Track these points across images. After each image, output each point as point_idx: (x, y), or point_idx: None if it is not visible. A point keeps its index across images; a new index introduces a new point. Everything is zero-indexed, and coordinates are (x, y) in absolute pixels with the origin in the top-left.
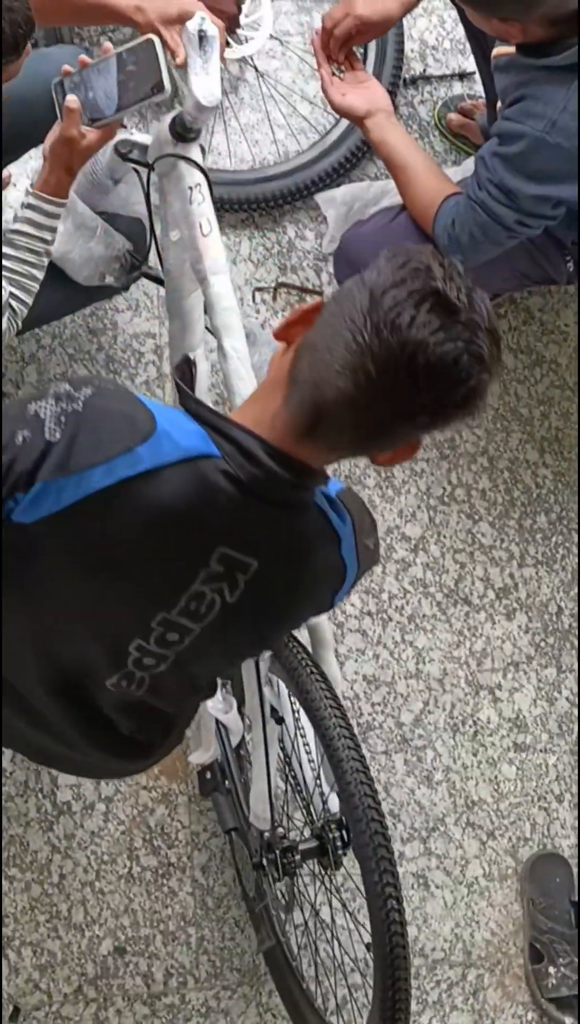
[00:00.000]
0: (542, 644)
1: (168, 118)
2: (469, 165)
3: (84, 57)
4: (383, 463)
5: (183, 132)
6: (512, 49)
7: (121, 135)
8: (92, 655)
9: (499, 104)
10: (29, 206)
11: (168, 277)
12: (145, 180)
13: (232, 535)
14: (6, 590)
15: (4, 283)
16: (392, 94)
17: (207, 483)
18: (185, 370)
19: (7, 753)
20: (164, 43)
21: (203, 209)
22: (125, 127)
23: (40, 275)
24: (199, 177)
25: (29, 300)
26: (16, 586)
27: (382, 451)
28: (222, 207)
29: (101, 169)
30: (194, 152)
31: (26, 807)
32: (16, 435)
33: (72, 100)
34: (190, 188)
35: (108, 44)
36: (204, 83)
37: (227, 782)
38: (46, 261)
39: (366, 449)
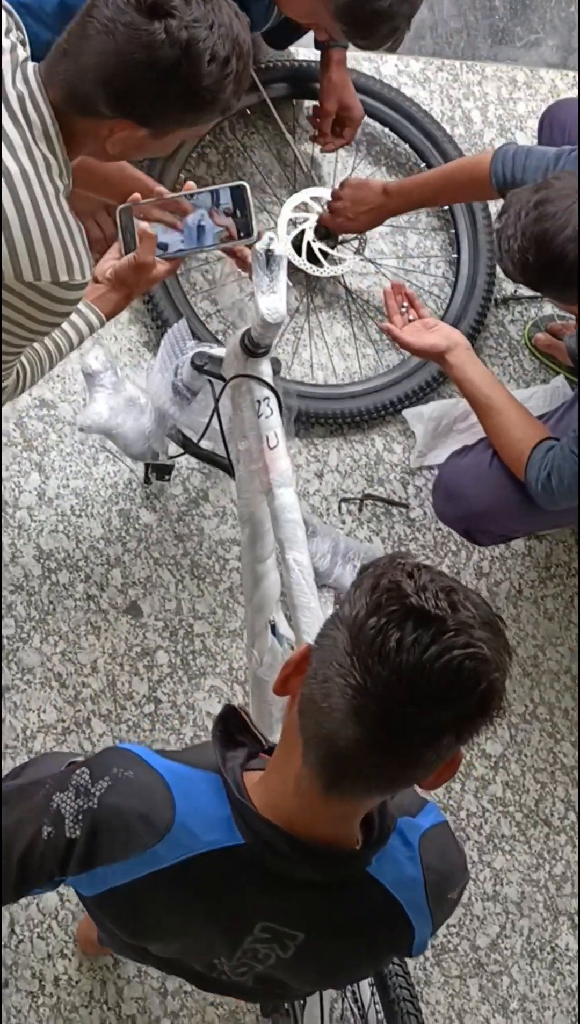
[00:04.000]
0: None
1: (238, 333)
2: (556, 384)
3: (161, 188)
4: (430, 787)
5: (252, 347)
6: None
7: (200, 347)
8: (189, 962)
9: None
10: (78, 310)
11: (238, 486)
12: (218, 390)
13: (270, 911)
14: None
15: (23, 356)
16: (482, 315)
17: (230, 874)
18: (234, 720)
19: (74, 961)
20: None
21: (271, 422)
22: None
23: (50, 369)
24: (267, 392)
25: (37, 381)
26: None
27: (421, 779)
28: (311, 420)
29: (184, 380)
30: (263, 368)
31: (91, 1019)
32: (42, 830)
33: (150, 228)
34: (258, 401)
35: (190, 182)
36: (270, 301)
37: (285, 1004)
38: (60, 360)
39: (403, 783)
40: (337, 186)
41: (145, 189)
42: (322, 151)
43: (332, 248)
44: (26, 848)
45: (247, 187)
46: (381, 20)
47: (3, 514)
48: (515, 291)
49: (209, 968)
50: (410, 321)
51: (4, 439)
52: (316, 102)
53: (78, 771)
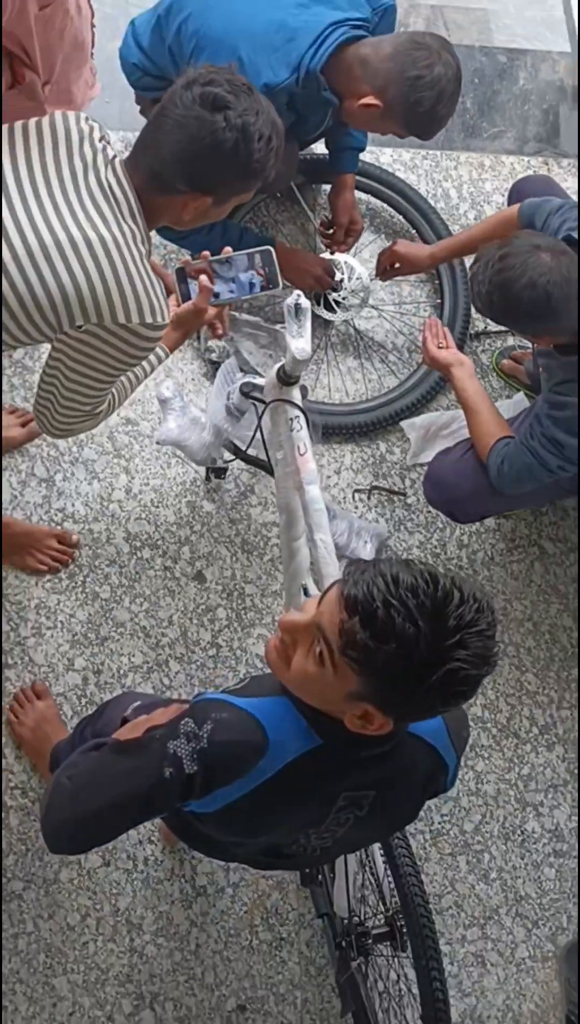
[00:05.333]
0: (575, 771)
1: (275, 367)
2: (518, 399)
3: (206, 252)
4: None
5: (286, 378)
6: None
7: (246, 378)
8: (277, 843)
9: (540, 367)
10: None
11: (277, 484)
12: (260, 410)
13: (348, 783)
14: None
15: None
16: (461, 344)
17: (316, 768)
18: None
19: (158, 846)
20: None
21: (300, 436)
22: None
23: (131, 394)
24: (297, 412)
25: (122, 403)
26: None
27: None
28: (329, 432)
29: (234, 403)
30: (294, 394)
31: (172, 889)
32: (164, 772)
33: (207, 281)
34: (291, 419)
35: (228, 247)
36: (299, 343)
37: (320, 876)
38: (138, 386)
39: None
40: (386, 250)
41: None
42: (332, 253)
43: (343, 297)
44: (151, 788)
45: (272, 250)
46: (438, 125)
47: (100, 506)
48: (486, 327)
49: (293, 845)
50: (439, 346)
51: (99, 448)
52: (327, 186)
53: (183, 721)
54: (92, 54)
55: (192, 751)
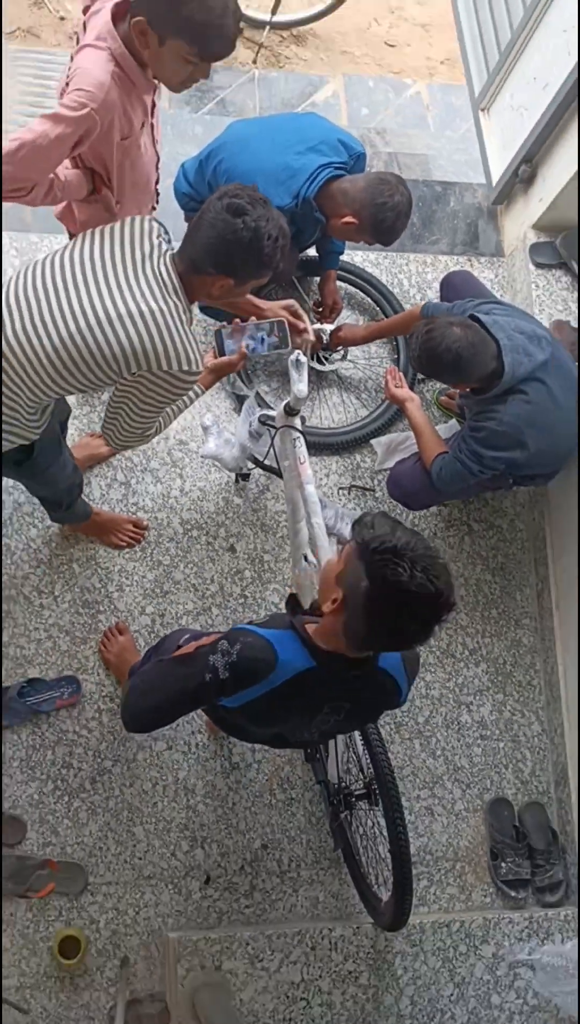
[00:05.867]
0: (496, 680)
1: (283, 403)
2: (451, 424)
3: (237, 320)
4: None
5: (290, 410)
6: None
7: (262, 411)
8: (282, 733)
9: (463, 403)
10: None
11: (285, 484)
12: (273, 433)
13: (331, 697)
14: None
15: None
16: (412, 386)
17: (310, 683)
18: (293, 602)
19: (205, 734)
20: (289, 323)
21: (300, 450)
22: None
23: (173, 421)
24: (297, 435)
25: (166, 428)
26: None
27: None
28: (320, 448)
29: (255, 428)
30: (296, 421)
31: (215, 765)
32: (205, 676)
33: (244, 347)
34: (294, 439)
35: (253, 318)
36: (299, 388)
37: (318, 754)
38: (179, 416)
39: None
40: (335, 326)
41: (231, 319)
42: (321, 323)
43: (329, 355)
44: (196, 687)
45: (285, 322)
46: (395, 235)
47: (162, 501)
48: (425, 377)
49: (293, 735)
50: (397, 387)
51: (161, 461)
52: (317, 278)
53: (220, 642)
54: (157, 191)
55: (225, 663)
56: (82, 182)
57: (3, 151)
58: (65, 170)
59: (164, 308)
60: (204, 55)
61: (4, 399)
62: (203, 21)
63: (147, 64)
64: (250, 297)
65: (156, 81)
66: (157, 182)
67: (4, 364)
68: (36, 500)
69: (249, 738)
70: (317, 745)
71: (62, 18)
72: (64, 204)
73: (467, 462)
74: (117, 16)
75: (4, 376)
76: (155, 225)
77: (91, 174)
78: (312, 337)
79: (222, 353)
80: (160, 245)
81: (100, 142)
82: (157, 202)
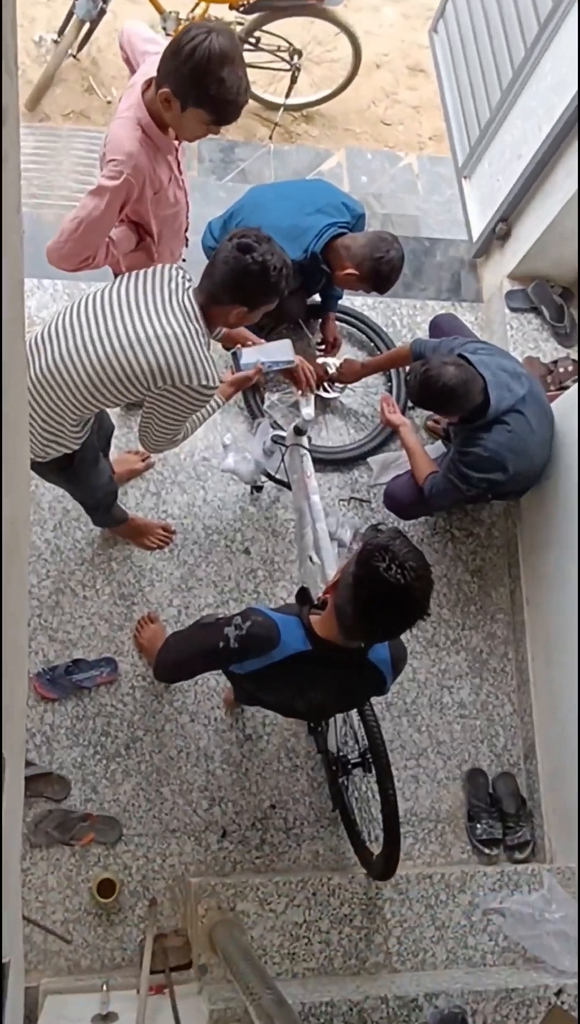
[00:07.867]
0: (474, 666)
1: (292, 425)
2: (438, 446)
3: (255, 339)
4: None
5: (299, 432)
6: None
7: (273, 432)
8: (283, 701)
9: (450, 428)
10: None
11: (293, 495)
12: (284, 451)
13: (323, 678)
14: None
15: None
16: (404, 412)
17: (304, 663)
18: (303, 594)
19: (223, 709)
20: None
21: (307, 466)
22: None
23: (196, 429)
24: (305, 452)
25: (190, 435)
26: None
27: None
28: (325, 464)
29: (268, 447)
30: (304, 441)
31: (231, 735)
32: (218, 642)
33: (260, 364)
34: (302, 456)
35: (263, 339)
36: (307, 412)
37: (319, 727)
38: (201, 425)
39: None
40: (339, 362)
41: (246, 341)
42: (324, 357)
43: (333, 385)
44: (209, 651)
45: (289, 342)
46: (391, 285)
47: (188, 509)
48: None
49: (294, 703)
50: (391, 413)
51: (188, 475)
52: (320, 321)
53: (235, 617)
54: (186, 237)
55: (236, 635)
56: (129, 236)
57: (66, 231)
58: (113, 230)
59: (186, 332)
60: (220, 123)
61: (52, 413)
62: (224, 99)
63: (168, 125)
64: (253, 337)
65: (176, 141)
66: (186, 229)
67: (52, 382)
68: (81, 507)
69: (258, 702)
70: (316, 720)
71: (109, 102)
72: None
73: (456, 482)
74: (146, 86)
75: (52, 392)
76: (181, 271)
77: (135, 227)
78: (314, 389)
79: (239, 369)
80: (184, 283)
81: (137, 200)
82: (187, 245)
